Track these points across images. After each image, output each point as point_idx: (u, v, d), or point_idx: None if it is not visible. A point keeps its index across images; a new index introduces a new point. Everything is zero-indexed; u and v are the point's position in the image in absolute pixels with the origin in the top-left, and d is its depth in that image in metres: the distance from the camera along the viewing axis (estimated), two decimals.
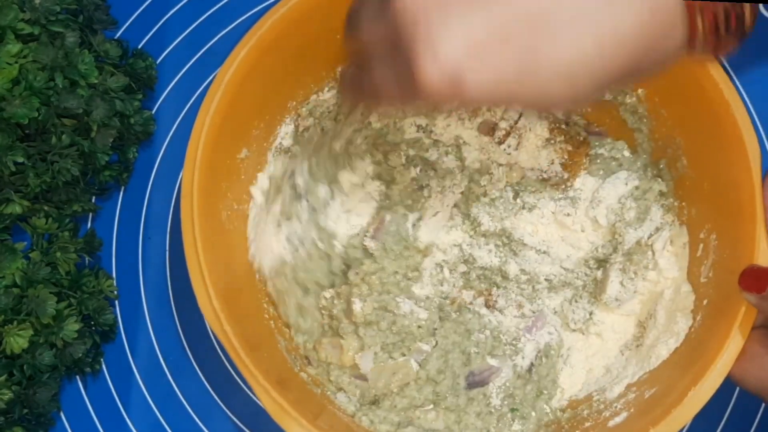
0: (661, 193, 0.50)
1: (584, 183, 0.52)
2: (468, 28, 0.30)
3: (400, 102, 0.35)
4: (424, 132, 0.53)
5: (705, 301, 0.45)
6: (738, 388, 0.51)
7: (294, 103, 0.53)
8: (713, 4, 0.32)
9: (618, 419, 0.45)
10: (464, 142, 0.53)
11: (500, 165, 0.52)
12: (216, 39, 0.59)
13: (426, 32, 0.30)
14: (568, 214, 0.51)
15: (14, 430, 0.49)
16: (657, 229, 0.49)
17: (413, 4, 0.31)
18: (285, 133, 0.53)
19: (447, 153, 0.52)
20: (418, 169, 0.51)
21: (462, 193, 0.51)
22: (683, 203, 0.49)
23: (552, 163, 0.52)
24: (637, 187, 0.50)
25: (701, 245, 0.47)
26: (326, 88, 0.53)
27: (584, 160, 0.52)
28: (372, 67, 0.35)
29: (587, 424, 0.46)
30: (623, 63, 0.31)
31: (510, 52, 0.30)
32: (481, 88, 0.31)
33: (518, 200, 0.51)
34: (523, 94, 0.31)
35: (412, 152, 0.52)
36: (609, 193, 0.50)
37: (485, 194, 0.51)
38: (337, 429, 0.45)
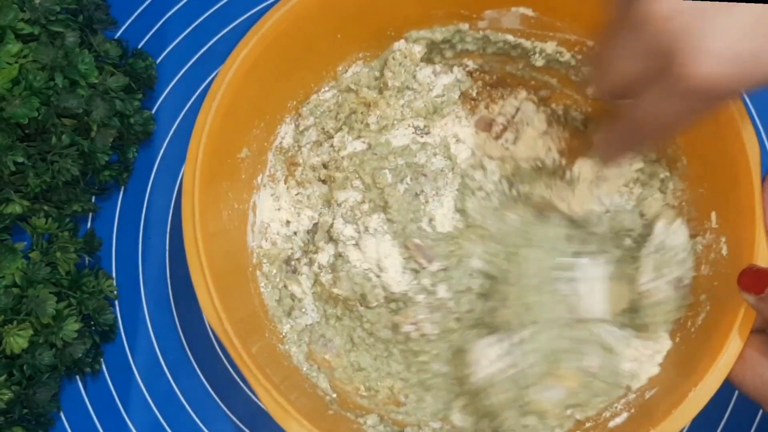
0: (662, 188, 0.50)
1: (581, 166, 0.52)
2: (736, 13, 0.30)
3: (682, 120, 0.35)
4: (419, 133, 0.53)
5: (704, 301, 0.45)
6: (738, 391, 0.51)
7: (294, 102, 0.53)
8: None
9: (618, 420, 0.45)
10: (458, 140, 0.52)
11: (492, 159, 0.52)
12: (216, 39, 0.59)
13: (698, 26, 0.30)
14: (563, 200, 0.51)
15: (14, 430, 0.49)
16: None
17: (670, 7, 0.31)
18: (285, 132, 0.53)
19: (435, 154, 0.52)
20: (408, 179, 0.51)
21: (457, 190, 0.51)
22: (683, 203, 0.49)
23: (549, 151, 0.52)
24: (641, 170, 0.50)
25: (701, 245, 0.47)
26: (326, 88, 0.53)
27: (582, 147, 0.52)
28: (639, 98, 0.34)
29: (587, 425, 0.46)
30: None
31: None
32: (761, 75, 0.31)
33: (513, 191, 0.51)
34: None
35: (400, 161, 0.51)
36: (612, 172, 0.50)
37: (480, 188, 0.51)
38: (339, 429, 0.45)
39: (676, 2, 0.31)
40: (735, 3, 0.30)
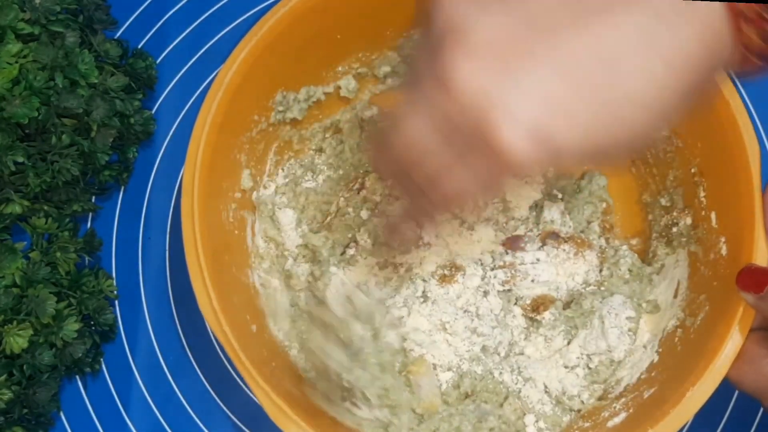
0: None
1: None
2: (540, 85, 0.29)
3: (485, 192, 0.33)
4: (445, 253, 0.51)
5: (703, 301, 0.45)
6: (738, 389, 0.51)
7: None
8: (758, 20, 0.31)
9: (617, 419, 0.45)
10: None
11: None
12: (216, 39, 0.59)
13: (498, 102, 0.29)
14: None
15: (14, 430, 0.49)
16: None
17: (472, 82, 0.29)
18: (285, 132, 0.53)
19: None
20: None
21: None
22: (682, 204, 0.49)
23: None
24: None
25: (700, 245, 0.47)
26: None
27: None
28: (439, 175, 0.33)
29: (586, 425, 0.46)
30: (691, 80, 0.30)
31: (588, 98, 0.29)
32: (571, 141, 0.30)
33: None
34: (610, 136, 0.30)
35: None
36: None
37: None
38: (338, 430, 0.45)
39: (477, 71, 0.29)
40: (536, 72, 0.29)
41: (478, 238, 0.50)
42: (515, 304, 0.50)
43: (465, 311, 0.49)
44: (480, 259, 0.50)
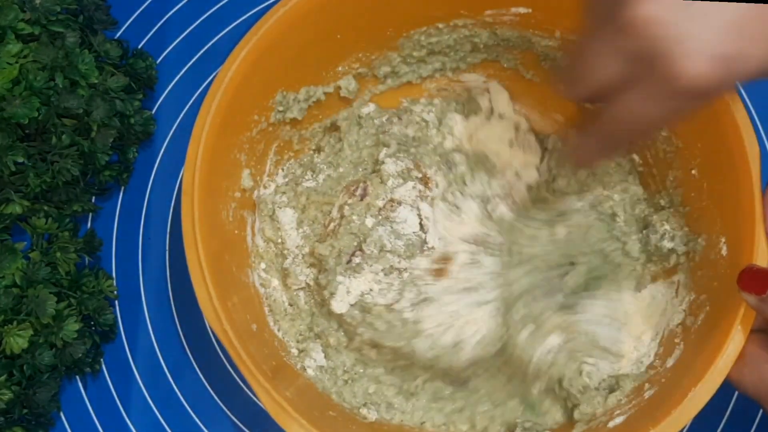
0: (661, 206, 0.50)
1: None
2: (725, 12, 0.31)
3: (667, 120, 0.35)
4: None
5: (704, 301, 0.45)
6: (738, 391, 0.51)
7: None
8: None
9: (618, 420, 0.45)
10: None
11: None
12: (216, 39, 0.59)
13: (682, 27, 0.31)
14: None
15: (14, 430, 0.49)
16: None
17: (654, 9, 0.31)
18: (285, 132, 0.53)
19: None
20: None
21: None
22: (682, 204, 0.49)
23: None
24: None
25: (701, 245, 0.47)
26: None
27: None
28: (619, 101, 0.35)
29: (587, 426, 0.46)
30: None
31: (765, 24, 0.31)
32: (754, 62, 0.31)
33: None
34: None
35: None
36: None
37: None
38: (338, 428, 0.45)
39: (659, 6, 0.31)
40: (716, 3, 0.31)
41: (465, 219, 0.51)
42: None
43: (465, 290, 0.49)
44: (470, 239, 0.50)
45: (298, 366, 0.50)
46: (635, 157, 0.52)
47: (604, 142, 0.39)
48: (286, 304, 0.52)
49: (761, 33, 0.31)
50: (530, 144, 0.54)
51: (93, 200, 0.56)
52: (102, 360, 0.54)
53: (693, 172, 0.47)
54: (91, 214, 0.57)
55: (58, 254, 0.51)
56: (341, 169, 0.54)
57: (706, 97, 0.32)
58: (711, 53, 0.31)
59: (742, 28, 0.31)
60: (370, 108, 0.55)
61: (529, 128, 0.55)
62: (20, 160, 0.49)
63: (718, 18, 0.31)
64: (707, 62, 0.31)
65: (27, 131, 0.50)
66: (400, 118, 0.54)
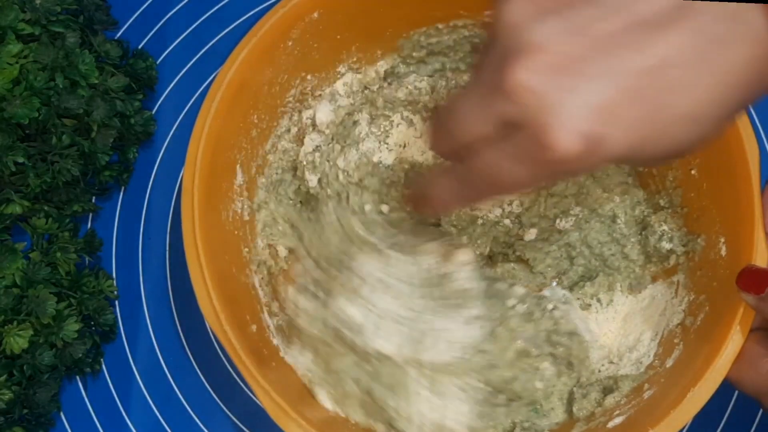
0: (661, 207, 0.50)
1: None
2: (597, 92, 0.30)
3: (526, 183, 0.35)
4: None
5: (703, 301, 0.45)
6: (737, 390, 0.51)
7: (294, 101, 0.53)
8: None
9: (617, 420, 0.45)
10: None
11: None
12: (216, 39, 0.59)
13: (555, 100, 0.30)
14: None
15: (14, 430, 0.49)
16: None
17: (531, 79, 0.31)
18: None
19: None
20: None
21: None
22: (682, 204, 0.49)
23: None
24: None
25: (700, 245, 0.47)
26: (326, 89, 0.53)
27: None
28: (480, 158, 0.34)
29: (586, 426, 0.46)
30: (740, 98, 0.32)
31: (640, 109, 0.31)
32: (616, 147, 0.31)
33: None
34: (656, 146, 0.32)
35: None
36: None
37: None
38: (337, 429, 0.45)
39: (535, 75, 0.30)
40: (592, 79, 0.30)
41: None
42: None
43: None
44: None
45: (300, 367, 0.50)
46: None
47: (465, 191, 0.38)
48: None
49: (628, 118, 0.30)
50: None
51: (93, 200, 0.56)
52: (102, 360, 0.54)
53: (692, 172, 0.47)
54: (91, 215, 0.57)
55: (59, 254, 0.51)
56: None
57: (571, 169, 0.32)
58: (578, 131, 0.30)
59: (611, 110, 0.30)
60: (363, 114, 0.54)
61: None
62: (20, 160, 0.49)
63: (591, 96, 0.30)
64: (575, 139, 0.30)
65: (27, 131, 0.50)
66: (390, 84, 0.54)
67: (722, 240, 0.44)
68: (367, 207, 0.50)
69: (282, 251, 0.53)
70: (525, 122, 0.31)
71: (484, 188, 0.36)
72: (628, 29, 0.30)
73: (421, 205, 0.44)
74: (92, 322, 0.53)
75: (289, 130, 0.53)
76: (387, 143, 0.50)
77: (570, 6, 0.31)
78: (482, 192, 0.37)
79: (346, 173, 0.50)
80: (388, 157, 0.50)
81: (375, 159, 0.50)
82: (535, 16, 0.31)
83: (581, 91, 0.30)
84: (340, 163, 0.50)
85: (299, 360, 0.48)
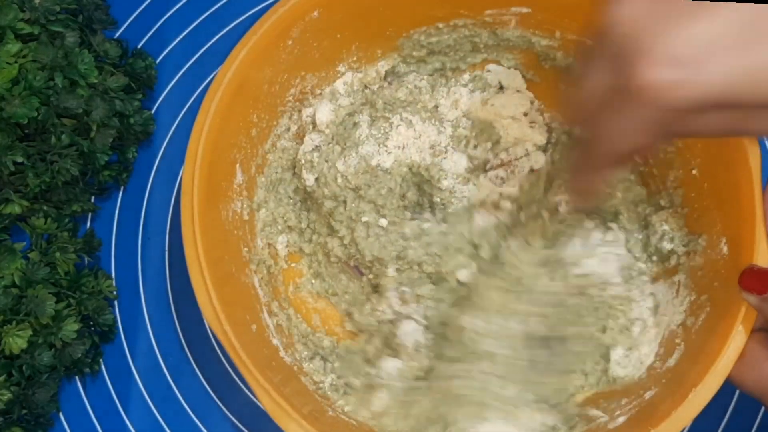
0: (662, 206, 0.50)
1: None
2: (696, 28, 0.30)
3: (637, 139, 0.34)
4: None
5: (704, 301, 0.45)
6: (739, 390, 0.51)
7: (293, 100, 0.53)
8: None
9: (618, 420, 0.45)
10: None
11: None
12: (216, 39, 0.59)
13: (649, 34, 0.30)
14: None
15: (13, 430, 0.49)
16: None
17: (633, 18, 0.30)
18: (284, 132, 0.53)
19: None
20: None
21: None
22: (683, 204, 0.49)
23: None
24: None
25: (701, 245, 0.47)
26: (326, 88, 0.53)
27: None
28: (599, 120, 0.34)
29: (587, 427, 0.46)
30: None
31: (745, 46, 0.30)
32: (715, 82, 0.30)
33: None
34: (752, 94, 0.31)
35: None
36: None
37: None
38: (337, 429, 0.45)
39: (640, 6, 0.30)
40: (702, 11, 0.30)
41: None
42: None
43: None
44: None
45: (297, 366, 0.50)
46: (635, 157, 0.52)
47: (589, 160, 0.38)
48: None
49: (731, 53, 0.30)
50: (539, 124, 0.53)
51: (92, 200, 0.56)
52: (101, 360, 0.54)
53: (693, 172, 0.47)
54: (90, 214, 0.57)
55: (58, 254, 0.51)
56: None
57: (669, 109, 0.31)
58: (672, 54, 0.30)
59: (714, 41, 0.30)
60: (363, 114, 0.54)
61: (539, 109, 0.54)
62: (19, 160, 0.49)
63: (693, 27, 0.30)
64: (667, 63, 0.30)
65: (26, 131, 0.50)
66: (390, 84, 0.54)
67: (723, 240, 0.44)
68: (364, 219, 0.50)
69: (282, 251, 0.53)
70: (625, 55, 0.31)
71: (603, 152, 0.36)
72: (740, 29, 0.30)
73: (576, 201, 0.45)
74: (91, 323, 0.53)
75: (288, 129, 0.53)
76: (386, 146, 0.50)
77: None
78: (603, 157, 0.36)
79: (345, 178, 0.49)
80: (386, 160, 0.50)
81: (374, 162, 0.49)
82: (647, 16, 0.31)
83: (684, 25, 0.30)
84: (340, 166, 0.50)
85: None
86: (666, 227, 0.49)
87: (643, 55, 0.30)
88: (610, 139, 0.34)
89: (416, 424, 0.47)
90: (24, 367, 0.48)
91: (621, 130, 0.33)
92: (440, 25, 0.51)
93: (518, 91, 0.54)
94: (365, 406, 0.48)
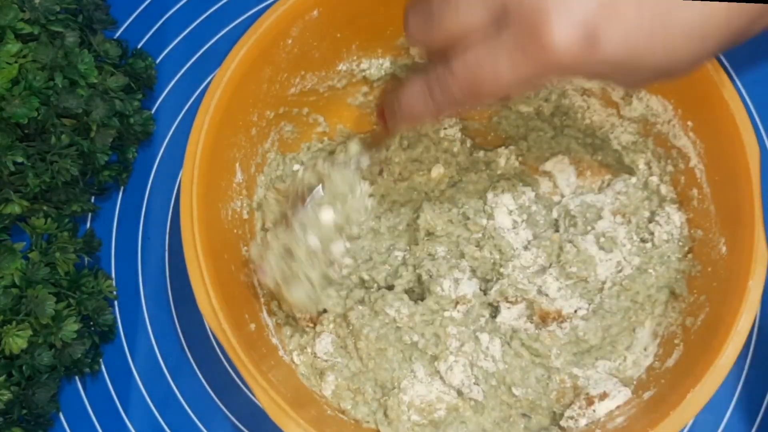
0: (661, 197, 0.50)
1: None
2: None
3: (506, 83, 0.32)
4: None
5: (704, 302, 0.45)
6: (739, 390, 0.51)
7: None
8: None
9: (618, 420, 0.45)
10: None
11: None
12: (215, 39, 0.59)
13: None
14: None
15: (13, 430, 0.49)
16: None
17: None
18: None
19: None
20: None
21: None
22: (683, 203, 0.49)
23: None
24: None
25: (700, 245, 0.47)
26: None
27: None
28: (467, 54, 0.32)
29: (586, 427, 0.46)
30: (745, 21, 0.31)
31: (643, 11, 0.30)
32: (614, 48, 0.30)
33: None
34: (651, 56, 0.31)
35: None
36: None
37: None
38: (335, 428, 0.45)
39: None
40: None
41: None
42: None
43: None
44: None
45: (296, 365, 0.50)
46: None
47: (442, 96, 0.35)
48: None
49: (632, 18, 0.30)
50: None
51: (92, 200, 0.56)
52: (101, 360, 0.54)
53: (693, 171, 0.47)
54: (90, 214, 0.57)
55: (58, 254, 0.51)
56: None
57: (565, 68, 0.31)
58: (578, 21, 0.29)
59: (615, 6, 0.29)
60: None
61: None
62: (19, 160, 0.49)
63: None
64: (574, 31, 0.29)
65: (26, 131, 0.50)
66: None
67: (722, 240, 0.44)
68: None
69: None
70: (522, 13, 0.30)
71: (465, 90, 0.33)
72: None
73: (390, 118, 0.40)
74: (91, 323, 0.53)
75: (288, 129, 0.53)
76: None
77: None
78: (462, 95, 0.34)
79: None
80: None
81: None
82: None
83: None
84: None
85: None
86: (666, 227, 0.49)
87: (549, 14, 0.29)
88: (480, 78, 0.32)
89: None
90: (24, 367, 0.48)
91: (495, 71, 0.32)
92: None
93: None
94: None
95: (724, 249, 0.44)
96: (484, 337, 0.47)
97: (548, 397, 0.47)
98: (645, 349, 0.48)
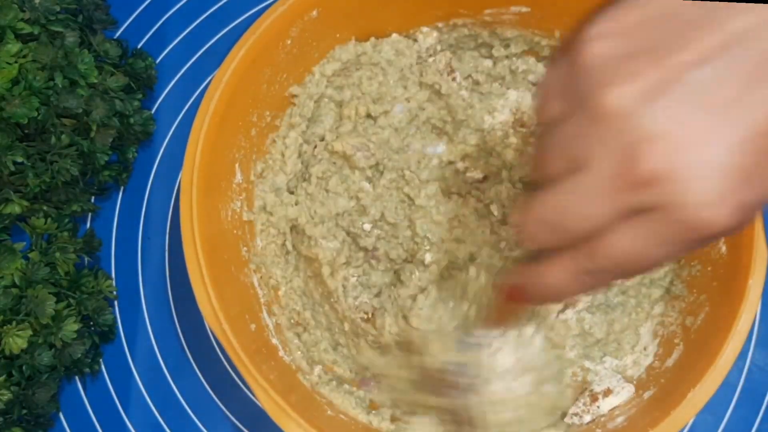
0: None
1: None
2: (730, 158, 0.27)
3: (659, 262, 0.30)
4: None
5: (703, 301, 0.45)
6: (739, 390, 0.51)
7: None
8: None
9: (618, 420, 0.45)
10: None
11: None
12: (215, 39, 0.59)
13: (692, 175, 0.27)
14: None
15: (13, 430, 0.49)
16: None
17: (664, 164, 0.27)
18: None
19: None
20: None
21: None
22: None
23: None
24: None
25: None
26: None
27: None
28: (607, 243, 0.30)
29: (586, 426, 0.46)
30: None
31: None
32: (764, 200, 0.28)
33: None
34: None
35: None
36: None
37: None
38: (336, 428, 0.45)
39: (667, 159, 0.27)
40: (719, 145, 0.27)
41: None
42: None
43: None
44: None
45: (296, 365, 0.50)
46: None
47: (589, 278, 0.32)
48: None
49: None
50: None
51: (92, 200, 0.56)
52: (101, 360, 0.54)
53: None
54: (90, 214, 0.57)
55: (58, 254, 0.51)
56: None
57: (720, 237, 0.29)
58: (731, 203, 0.27)
59: (750, 170, 0.27)
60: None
61: None
62: (19, 160, 0.49)
63: (726, 163, 0.27)
64: (731, 211, 0.27)
65: (26, 131, 0.50)
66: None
67: (722, 240, 0.44)
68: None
69: None
70: (664, 205, 0.28)
71: (615, 272, 0.32)
72: (742, 87, 0.27)
73: (519, 297, 0.37)
74: (91, 323, 0.53)
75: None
76: None
77: (673, 79, 0.27)
78: (612, 276, 0.33)
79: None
80: None
81: None
82: (642, 100, 0.28)
83: (714, 163, 0.27)
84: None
85: None
86: None
87: (695, 205, 0.27)
88: (629, 263, 0.30)
89: None
90: (24, 367, 0.48)
91: (646, 256, 0.30)
92: (440, 25, 0.51)
93: None
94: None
95: (723, 248, 0.44)
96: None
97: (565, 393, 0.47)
98: (645, 349, 0.48)
